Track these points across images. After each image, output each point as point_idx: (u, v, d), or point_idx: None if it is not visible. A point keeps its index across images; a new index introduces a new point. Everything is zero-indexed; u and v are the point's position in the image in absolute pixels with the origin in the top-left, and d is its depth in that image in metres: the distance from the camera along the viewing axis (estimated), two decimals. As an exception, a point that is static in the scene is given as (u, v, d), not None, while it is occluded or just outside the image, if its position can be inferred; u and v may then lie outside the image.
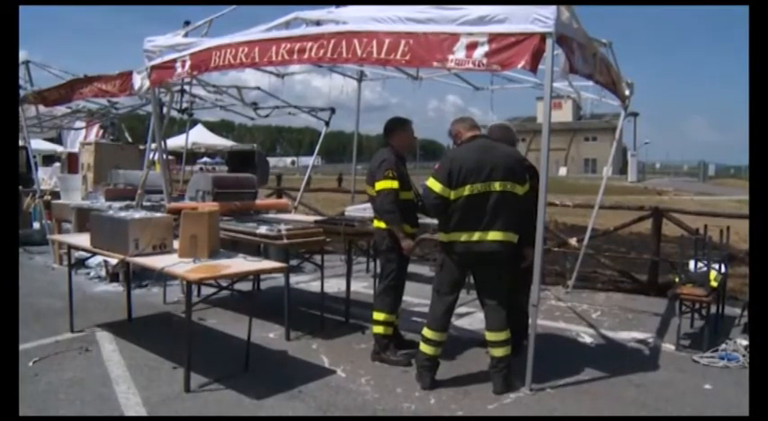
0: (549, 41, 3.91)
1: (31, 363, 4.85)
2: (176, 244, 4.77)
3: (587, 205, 8.85)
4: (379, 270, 5.30)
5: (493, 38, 4.03)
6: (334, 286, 7.19)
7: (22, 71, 10.12)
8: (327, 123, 10.02)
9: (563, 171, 71.68)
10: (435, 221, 4.79)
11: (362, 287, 7.49)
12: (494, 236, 4.25)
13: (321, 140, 10.85)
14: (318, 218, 7.11)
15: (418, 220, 5.18)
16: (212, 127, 27.71)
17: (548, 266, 8.28)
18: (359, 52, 4.56)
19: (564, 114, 70.74)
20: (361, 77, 8.70)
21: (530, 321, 4.47)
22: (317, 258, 6.17)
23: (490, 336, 4.42)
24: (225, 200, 6.65)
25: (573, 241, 8.48)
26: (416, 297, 6.64)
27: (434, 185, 4.31)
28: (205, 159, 42.03)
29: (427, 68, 6.63)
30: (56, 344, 5.37)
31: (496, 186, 4.25)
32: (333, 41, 4.72)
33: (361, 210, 6.57)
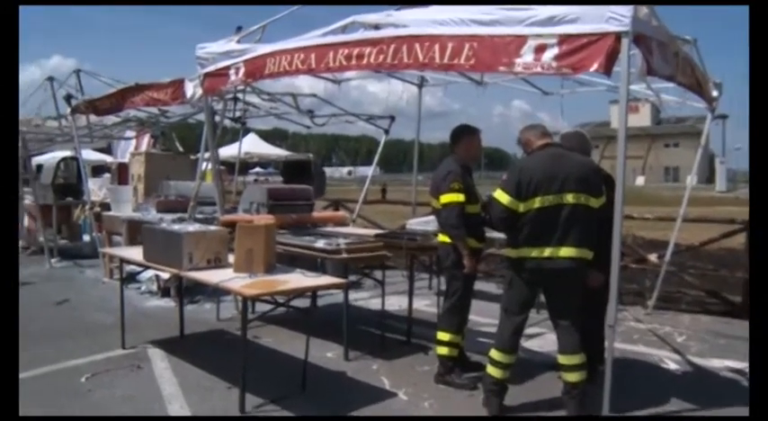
0: (624, 41, 3.85)
1: (83, 379, 5.09)
2: (231, 258, 4.92)
3: (668, 218, 8.64)
4: (443, 287, 5.33)
5: (563, 39, 4.00)
6: (395, 304, 7.25)
7: (72, 80, 10.64)
8: (387, 132, 10.13)
9: (641, 180, 69.99)
10: (503, 236, 4.79)
11: (425, 305, 7.52)
12: (566, 252, 4.22)
13: (380, 149, 10.95)
14: (379, 231, 7.18)
15: (485, 235, 5.19)
16: (265, 136, 28.29)
17: (625, 285, 8.12)
18: (420, 57, 4.62)
19: (641, 119, 69.19)
20: (421, 83, 8.77)
21: (606, 344, 4.41)
22: (378, 274, 6.25)
23: (563, 360, 4.38)
24: (280, 212, 6.80)
25: (653, 257, 8.29)
26: (483, 316, 6.63)
27: (502, 197, 4.31)
28: (257, 169, 42.91)
29: (492, 73, 6.64)
30: (107, 360, 5.60)
31: (569, 198, 4.23)
32: (393, 46, 4.79)
33: (423, 223, 6.62)
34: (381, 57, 4.88)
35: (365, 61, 5.02)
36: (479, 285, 7.09)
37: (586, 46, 3.92)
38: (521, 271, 4.37)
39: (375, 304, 7.22)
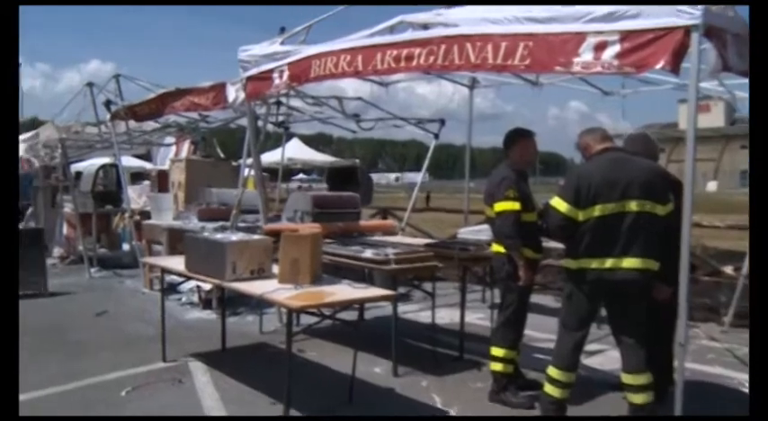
0: (694, 35, 3.77)
1: (123, 393, 5.25)
2: (275, 269, 5.02)
3: (743, 226, 8.45)
4: (497, 300, 5.33)
5: (625, 36, 3.95)
6: (446, 317, 7.26)
7: (112, 85, 10.94)
8: (437, 136, 10.17)
9: (712, 185, 68.27)
10: (560, 245, 4.78)
11: (478, 318, 7.51)
12: (630, 263, 4.18)
13: (430, 155, 10.98)
14: (429, 241, 7.22)
15: (542, 245, 5.18)
16: (309, 140, 28.53)
17: (696, 299, 7.96)
18: (472, 58, 4.64)
19: (714, 119, 67.53)
20: (473, 84, 8.77)
21: (676, 364, 4.35)
22: (428, 286, 6.28)
23: (627, 379, 4.33)
24: (326, 221, 6.90)
25: (728, 269, 8.10)
26: (540, 331, 6.59)
27: (560, 205, 4.31)
28: (301, 176, 43.36)
29: (548, 73, 6.61)
30: (148, 373, 5.77)
31: (632, 206, 4.19)
32: (443, 47, 4.82)
33: (475, 232, 6.63)
34: (431, 58, 4.92)
35: (414, 63, 5.06)
36: (536, 298, 7.05)
37: (651, 42, 3.86)
38: (580, 283, 4.35)
39: (425, 317, 7.24)
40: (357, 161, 17.39)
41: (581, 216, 4.26)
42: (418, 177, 12.80)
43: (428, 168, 11.93)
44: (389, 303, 5.77)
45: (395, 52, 5.19)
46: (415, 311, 8.09)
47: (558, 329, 4.55)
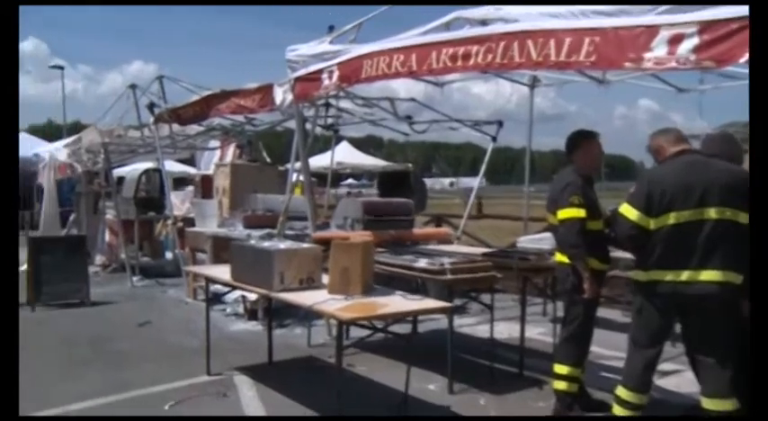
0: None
1: (167, 407, 5.36)
2: (325, 278, 5.06)
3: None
4: (559, 313, 5.28)
5: (705, 27, 3.82)
6: (505, 331, 7.21)
7: (155, 87, 11.20)
8: (494, 139, 10.11)
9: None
10: (629, 256, 4.70)
11: (539, 333, 7.45)
12: (709, 275, 4.07)
13: (487, 159, 10.93)
14: (486, 250, 7.19)
15: (609, 255, 5.11)
16: (358, 144, 28.71)
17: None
18: (534, 55, 4.61)
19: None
20: (533, 83, 8.73)
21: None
22: (486, 297, 6.25)
23: (708, 405, 4.19)
24: (377, 229, 6.93)
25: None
26: (607, 348, 6.50)
27: (629, 212, 4.24)
28: (350, 181, 43.51)
29: (617, 70, 6.52)
30: (191, 387, 5.87)
31: (711, 214, 4.09)
32: (502, 44, 4.80)
33: (536, 240, 6.57)
34: (490, 56, 4.91)
35: (472, 62, 5.06)
36: (602, 312, 6.96)
37: (735, 32, 3.71)
38: (652, 296, 4.27)
39: (482, 331, 7.21)
40: (410, 165, 17.37)
41: (653, 224, 4.18)
42: (474, 182, 12.77)
43: (485, 172, 11.87)
44: (445, 316, 5.77)
45: (451, 50, 5.20)
46: (472, 325, 8.06)
47: (628, 346, 4.47)
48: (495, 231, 13.18)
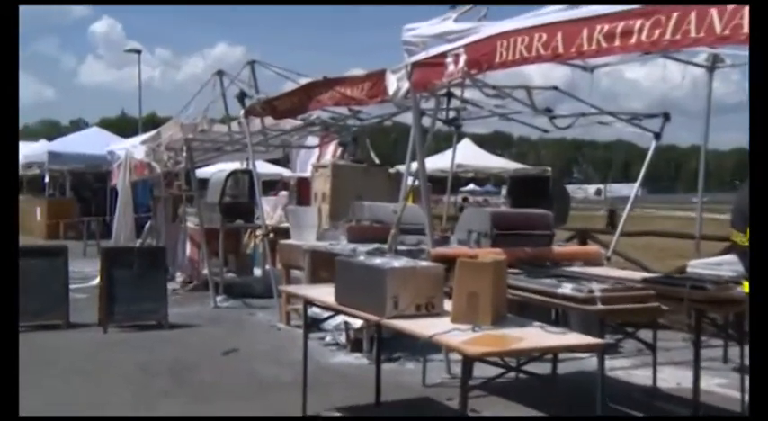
0: None
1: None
2: (447, 304, 5.07)
3: None
4: (747, 361, 5.10)
5: None
6: (671, 379, 7.04)
7: (245, 73, 11.48)
8: (658, 136, 9.82)
9: None
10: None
11: (718, 385, 7.20)
12: None
13: (648, 160, 10.63)
14: (646, 275, 7.02)
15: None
16: (481, 141, 28.66)
17: None
18: (718, 28, 4.44)
19: None
20: (713, 64, 8.46)
21: None
22: (646, 335, 6.11)
23: None
24: (509, 245, 6.91)
25: None
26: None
27: None
28: (471, 186, 43.37)
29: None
30: (285, 428, 6.03)
31: None
32: (675, 15, 4.68)
33: (714, 265, 6.38)
34: (657, 32, 4.81)
35: (633, 40, 4.97)
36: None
37: None
38: None
39: (641, 377, 7.07)
40: (548, 169, 17.22)
41: None
42: (629, 190, 12.50)
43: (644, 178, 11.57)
44: (593, 355, 5.65)
45: (606, 27, 5.13)
46: (628, 368, 7.90)
47: None
48: (656, 252, 12.90)
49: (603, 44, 5.17)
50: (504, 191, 25.01)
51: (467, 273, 4.88)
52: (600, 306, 5.54)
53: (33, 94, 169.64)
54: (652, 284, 6.05)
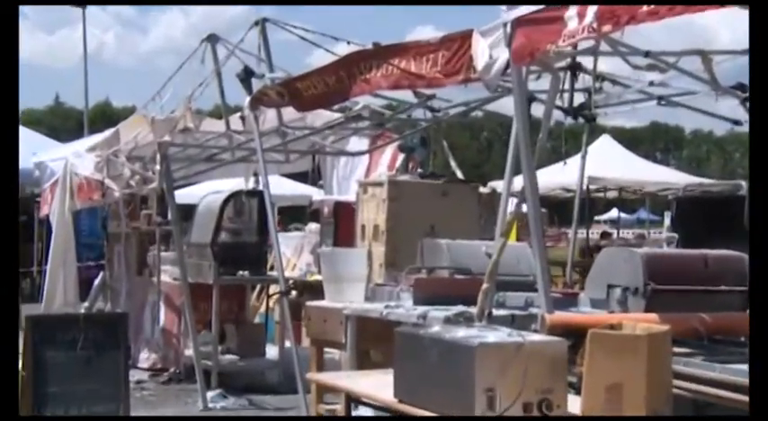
0: None
1: None
2: (575, 401, 5.09)
3: None
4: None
5: None
6: None
7: (251, 38, 11.55)
8: None
9: None
10: None
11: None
12: None
13: None
14: None
15: None
16: (630, 140, 28.61)
17: None
18: None
19: None
20: None
21: None
22: None
23: None
24: (674, 307, 6.86)
25: None
26: None
27: None
28: (614, 213, 42.98)
29: None
30: None
31: None
32: None
33: None
34: None
35: None
36: None
37: None
38: None
39: None
40: (742, 184, 17.01)
41: None
42: None
43: None
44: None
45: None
46: None
47: None
48: None
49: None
50: (667, 220, 24.77)
51: (605, 352, 4.90)
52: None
53: None
54: None
